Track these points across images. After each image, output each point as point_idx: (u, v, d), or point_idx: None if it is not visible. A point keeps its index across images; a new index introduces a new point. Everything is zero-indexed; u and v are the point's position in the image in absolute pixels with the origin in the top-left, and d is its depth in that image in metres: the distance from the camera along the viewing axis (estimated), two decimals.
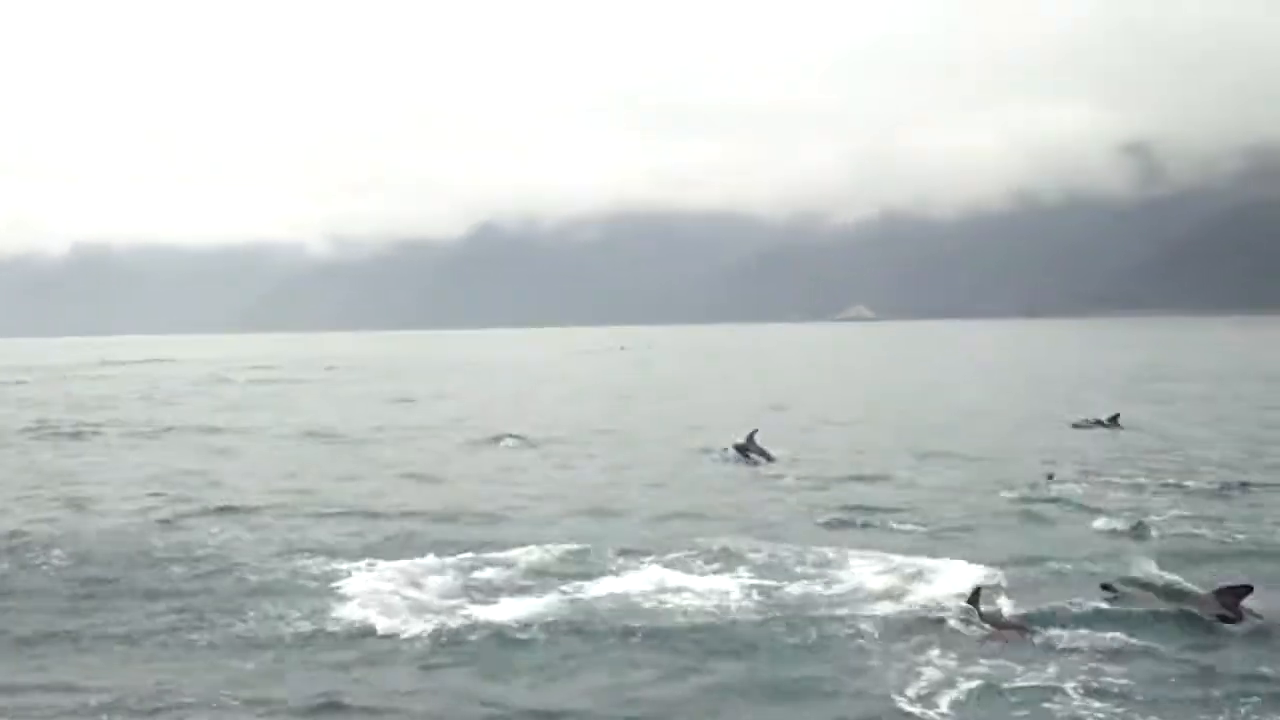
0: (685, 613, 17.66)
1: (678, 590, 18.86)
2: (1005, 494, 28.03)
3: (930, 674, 14.53)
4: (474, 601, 18.33)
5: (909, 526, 24.61)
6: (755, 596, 18.49)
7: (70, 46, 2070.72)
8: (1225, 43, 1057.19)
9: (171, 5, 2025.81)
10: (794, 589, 18.92)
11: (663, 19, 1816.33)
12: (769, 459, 34.92)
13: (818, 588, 18.99)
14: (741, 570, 20.24)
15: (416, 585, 19.25)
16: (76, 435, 46.73)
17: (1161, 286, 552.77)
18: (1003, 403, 58.37)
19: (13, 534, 24.32)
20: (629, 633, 16.55)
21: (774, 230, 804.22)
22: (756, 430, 36.60)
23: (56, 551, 22.39)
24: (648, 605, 18.08)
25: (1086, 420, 44.28)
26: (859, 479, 31.37)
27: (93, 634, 17.11)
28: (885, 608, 17.49)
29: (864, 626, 16.53)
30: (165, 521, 25.93)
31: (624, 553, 21.71)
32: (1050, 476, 29.82)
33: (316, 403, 65.57)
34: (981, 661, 14.92)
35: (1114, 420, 43.49)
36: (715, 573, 20.15)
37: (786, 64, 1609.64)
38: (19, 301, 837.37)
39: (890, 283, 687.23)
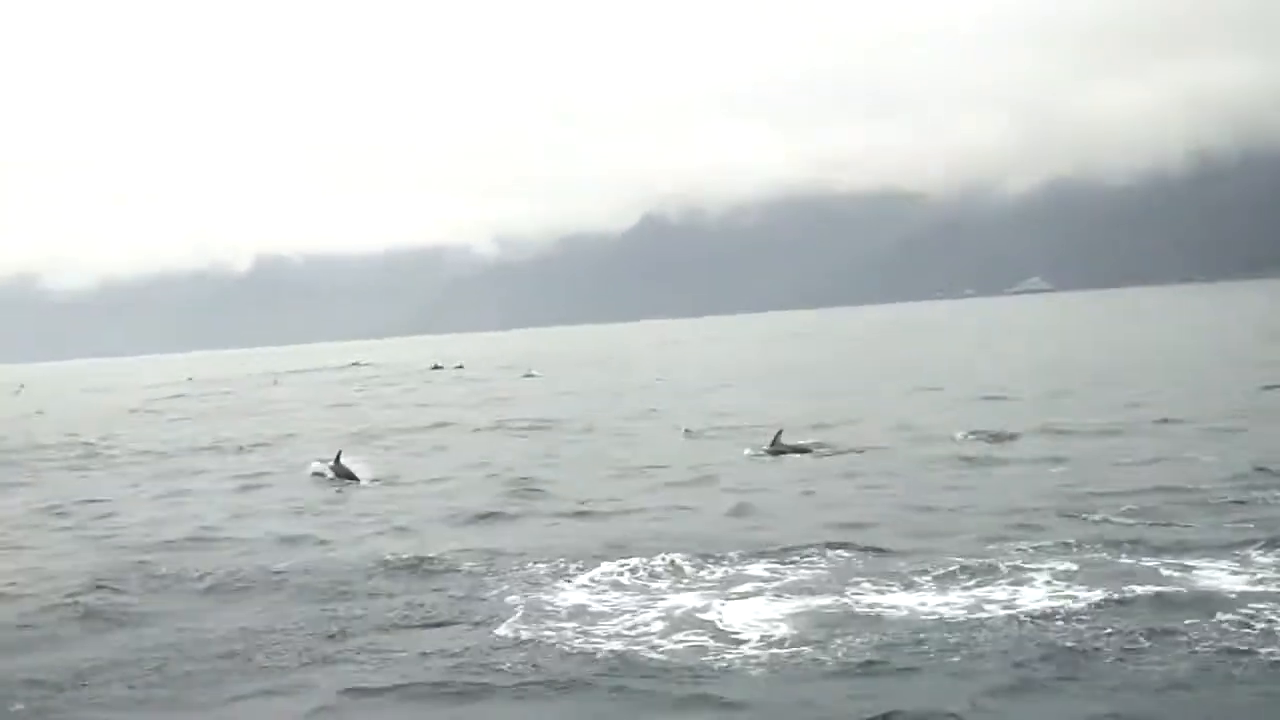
0: None
1: None
2: None
3: None
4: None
5: None
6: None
7: (235, 66, 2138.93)
8: None
9: (327, 15, 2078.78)
10: None
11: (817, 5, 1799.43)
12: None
13: None
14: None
15: None
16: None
17: None
18: None
19: None
20: None
21: (941, 205, 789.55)
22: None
23: None
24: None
25: None
26: None
27: None
28: None
29: None
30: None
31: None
32: None
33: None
34: None
35: None
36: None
37: (946, 33, 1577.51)
38: (202, 315, 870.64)
39: (1064, 252, 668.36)
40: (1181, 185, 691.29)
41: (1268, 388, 41.33)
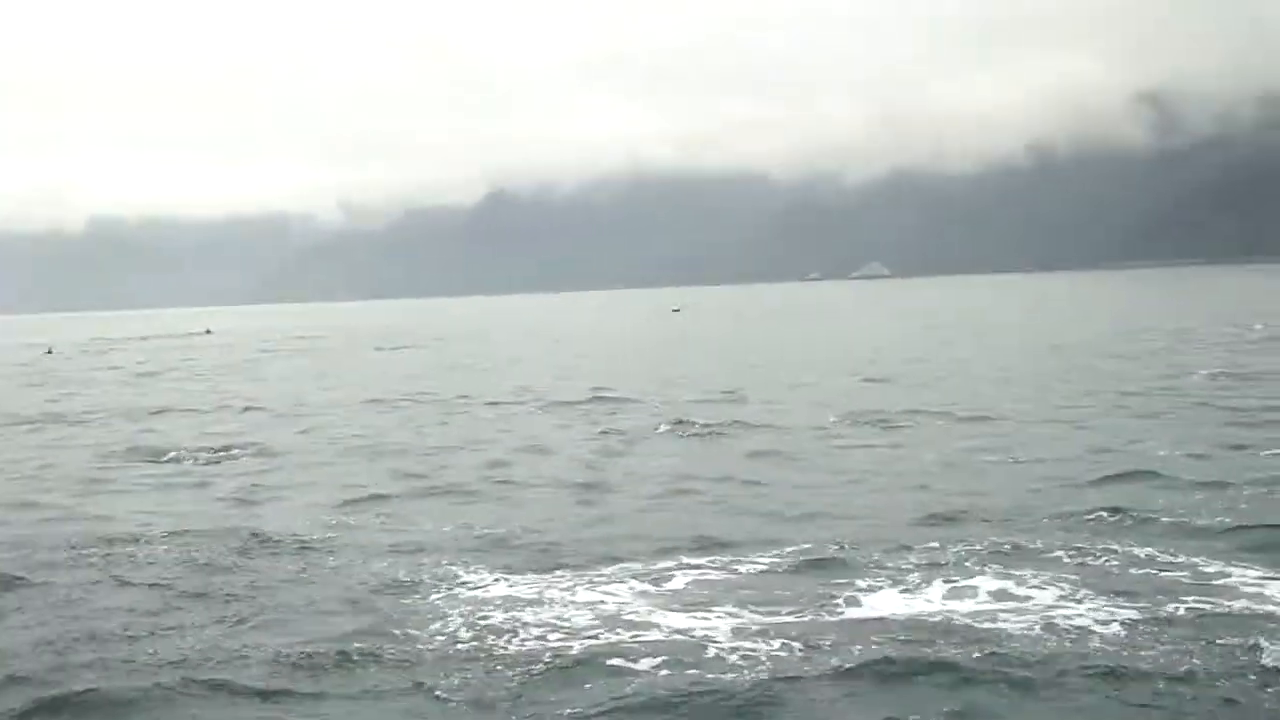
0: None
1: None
2: None
3: None
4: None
5: None
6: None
7: (71, 18, 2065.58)
8: None
9: None
10: None
11: None
12: None
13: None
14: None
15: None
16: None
17: (1178, 237, 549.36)
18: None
19: None
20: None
21: (790, 189, 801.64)
22: None
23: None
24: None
25: None
26: None
27: None
28: None
29: None
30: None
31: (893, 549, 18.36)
32: None
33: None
34: None
35: None
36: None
37: (799, 20, 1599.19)
38: (41, 277, 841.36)
39: (906, 239, 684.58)
40: (1020, 177, 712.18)
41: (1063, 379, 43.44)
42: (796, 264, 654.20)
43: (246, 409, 44.83)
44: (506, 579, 17.33)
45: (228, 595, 16.86)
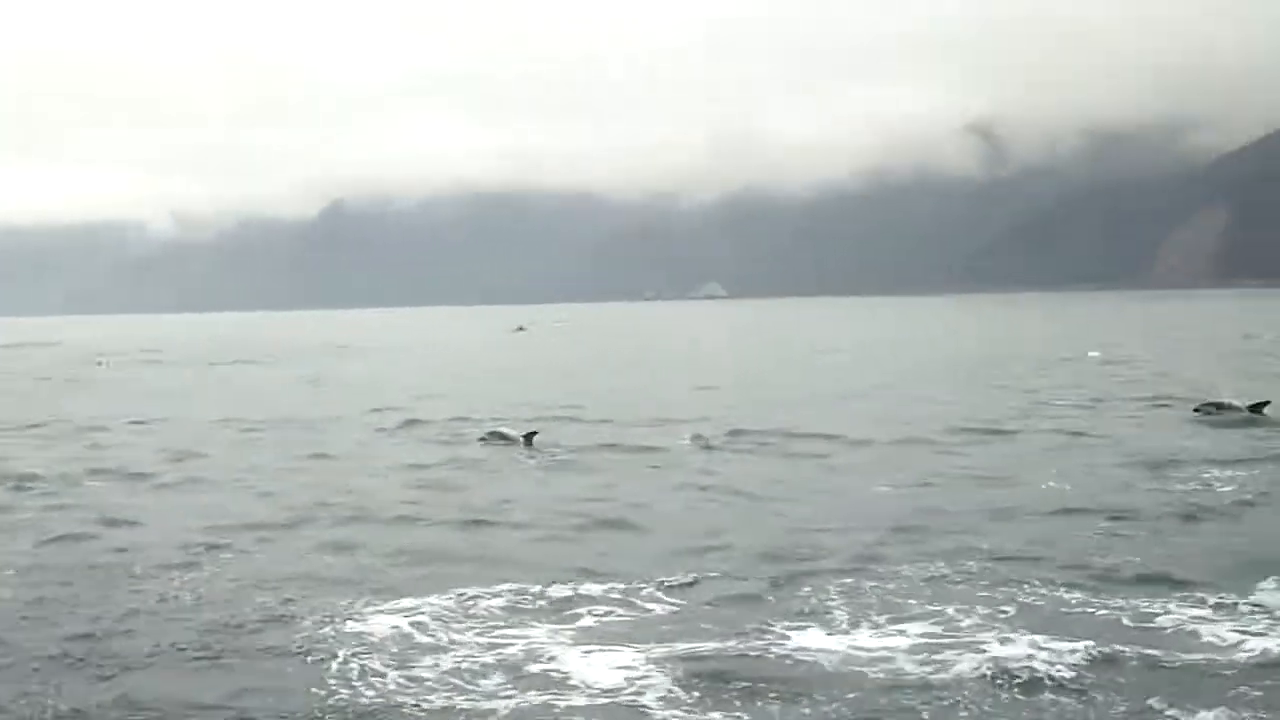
0: None
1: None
2: None
3: None
4: None
5: None
6: None
7: None
8: (1063, 26, 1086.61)
9: None
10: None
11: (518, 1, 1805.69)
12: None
13: None
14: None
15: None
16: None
17: (1010, 264, 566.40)
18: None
19: None
20: None
21: (630, 209, 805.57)
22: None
23: None
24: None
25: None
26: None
27: None
28: None
29: None
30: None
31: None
32: None
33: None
34: None
35: None
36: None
37: (642, 43, 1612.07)
38: None
39: (744, 262, 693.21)
40: (857, 203, 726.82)
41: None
42: (635, 284, 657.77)
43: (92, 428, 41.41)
44: (391, 616, 15.92)
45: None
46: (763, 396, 48.78)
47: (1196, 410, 36.33)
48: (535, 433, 33.47)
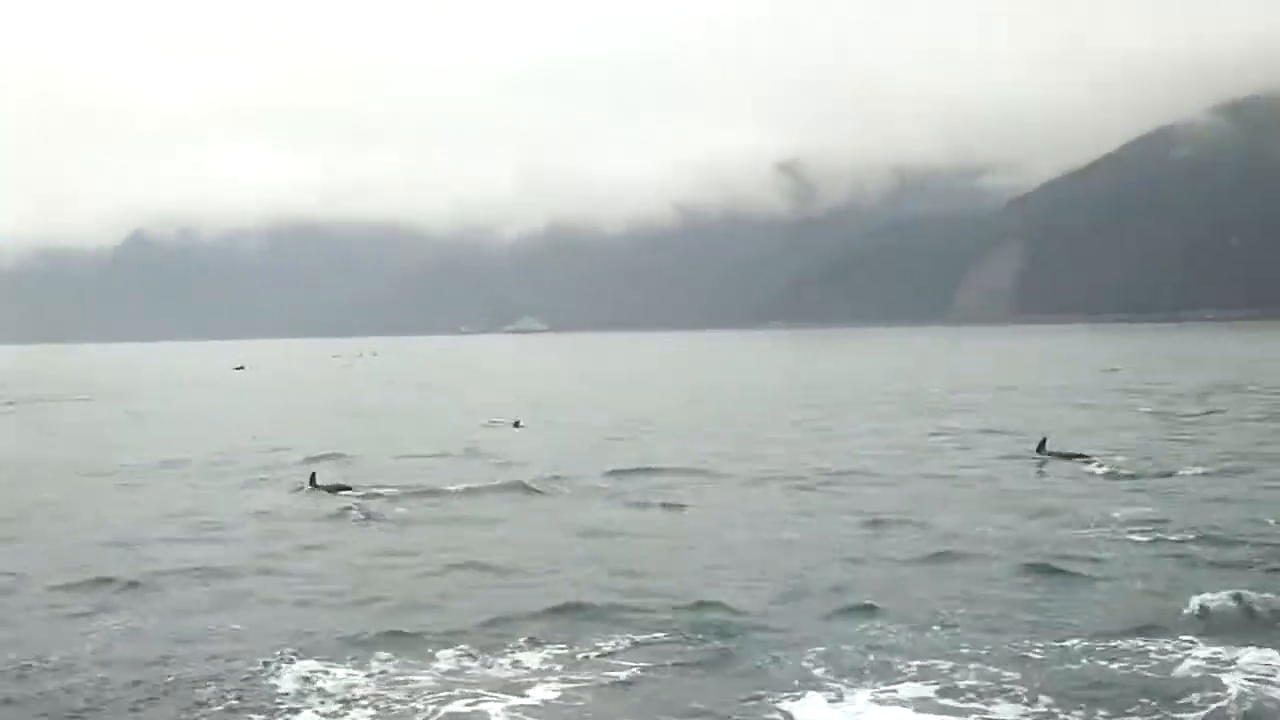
0: None
1: None
2: None
3: None
4: None
5: None
6: None
7: None
8: (867, 73, 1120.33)
9: None
10: None
11: (329, 25, 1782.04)
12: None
13: None
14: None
15: None
16: None
17: (818, 300, 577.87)
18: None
19: None
20: None
21: (443, 242, 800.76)
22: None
23: None
24: None
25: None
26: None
27: None
28: None
29: None
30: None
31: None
32: None
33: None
34: None
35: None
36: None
37: (455, 76, 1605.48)
38: None
39: (560, 295, 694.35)
40: (671, 238, 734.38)
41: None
42: (449, 317, 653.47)
43: None
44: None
45: None
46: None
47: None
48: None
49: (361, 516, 27.27)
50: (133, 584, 20.51)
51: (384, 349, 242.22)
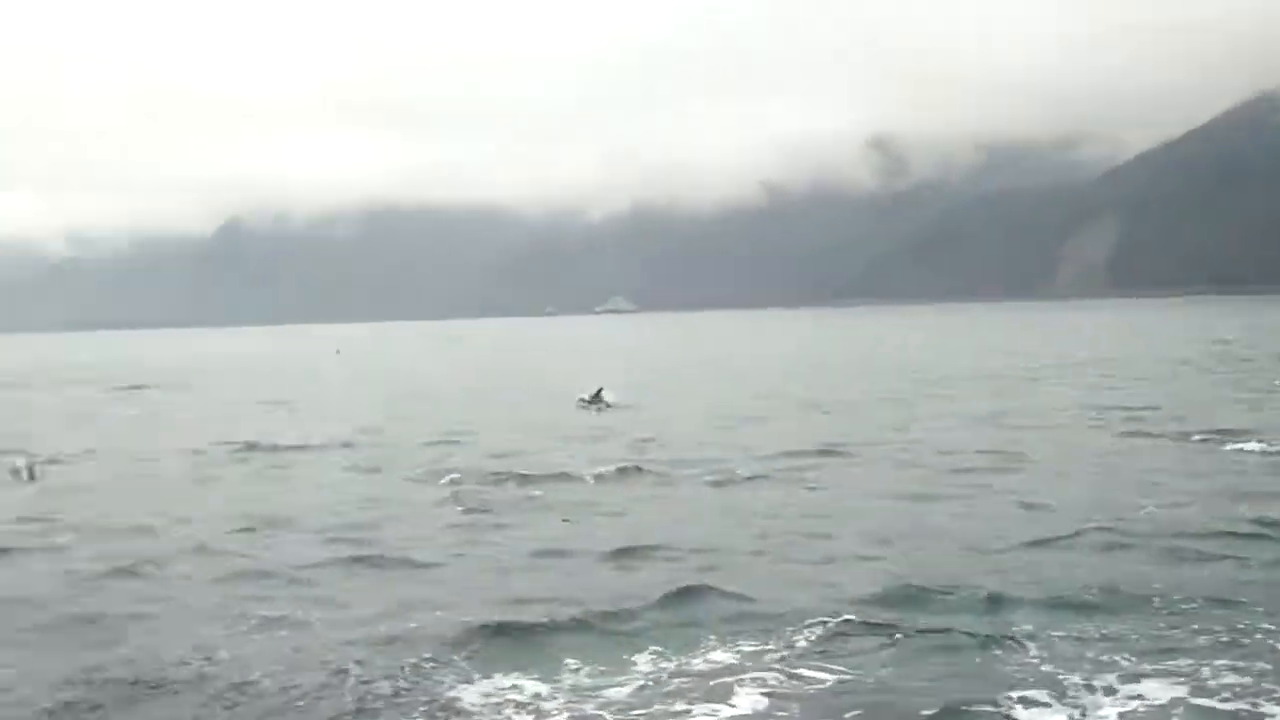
0: None
1: None
2: None
3: None
4: None
5: None
6: None
7: None
8: (957, 45, 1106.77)
9: None
10: None
11: (423, 13, 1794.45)
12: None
13: None
14: None
15: None
16: None
17: (906, 277, 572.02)
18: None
19: None
20: None
21: (532, 226, 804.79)
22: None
23: None
24: None
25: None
26: None
27: None
28: None
29: None
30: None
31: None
32: None
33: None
34: None
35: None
36: None
37: (543, 61, 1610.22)
38: None
39: (648, 276, 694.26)
40: (757, 217, 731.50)
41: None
42: (538, 299, 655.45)
43: None
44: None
45: None
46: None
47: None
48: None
49: (530, 498, 26.41)
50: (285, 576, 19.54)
51: (473, 332, 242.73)
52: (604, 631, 15.62)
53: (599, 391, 48.49)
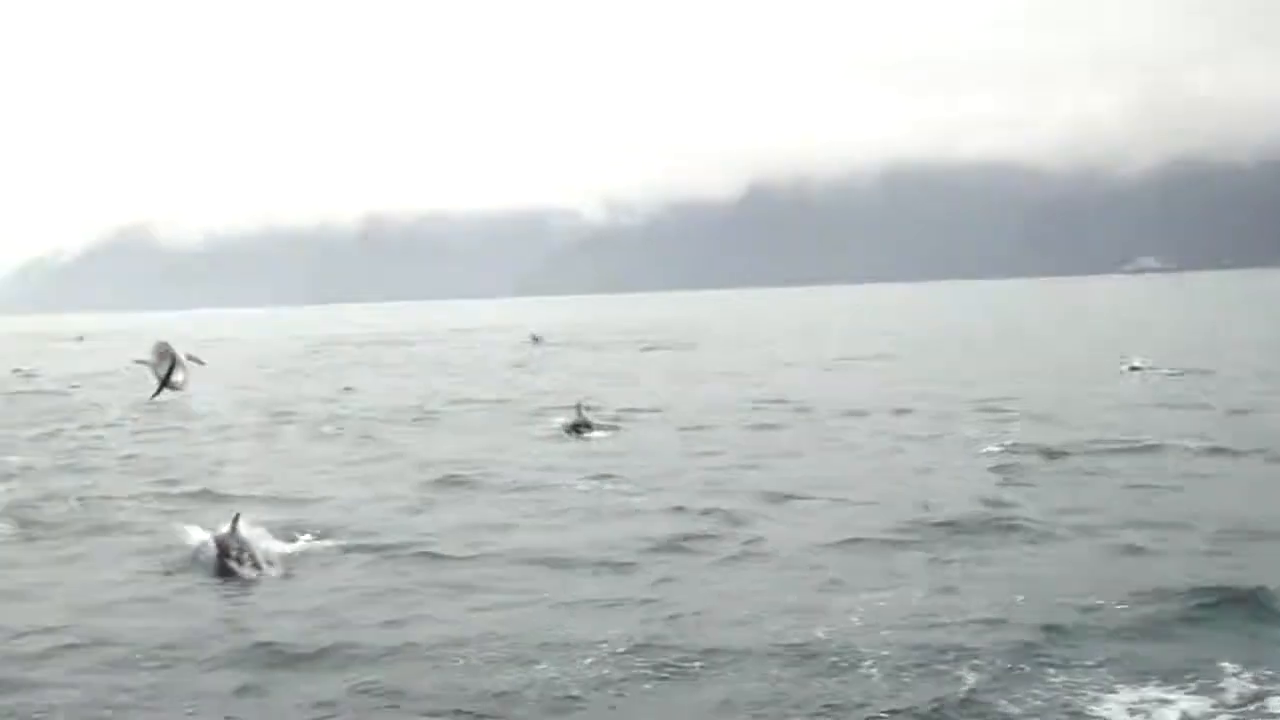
0: None
1: None
2: None
3: None
4: None
5: None
6: None
7: (340, 22, 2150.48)
8: None
9: None
10: None
11: None
12: None
13: None
14: None
15: None
16: None
17: None
18: None
19: None
20: None
21: (1053, 181, 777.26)
22: None
23: None
24: None
25: None
26: None
27: None
28: None
29: None
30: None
31: None
32: None
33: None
34: None
35: None
36: None
37: (1051, 10, 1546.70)
38: (315, 272, 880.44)
39: (1179, 233, 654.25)
40: None
41: None
42: (1061, 259, 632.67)
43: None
44: None
45: None
46: None
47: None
48: None
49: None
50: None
51: (1001, 293, 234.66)
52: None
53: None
